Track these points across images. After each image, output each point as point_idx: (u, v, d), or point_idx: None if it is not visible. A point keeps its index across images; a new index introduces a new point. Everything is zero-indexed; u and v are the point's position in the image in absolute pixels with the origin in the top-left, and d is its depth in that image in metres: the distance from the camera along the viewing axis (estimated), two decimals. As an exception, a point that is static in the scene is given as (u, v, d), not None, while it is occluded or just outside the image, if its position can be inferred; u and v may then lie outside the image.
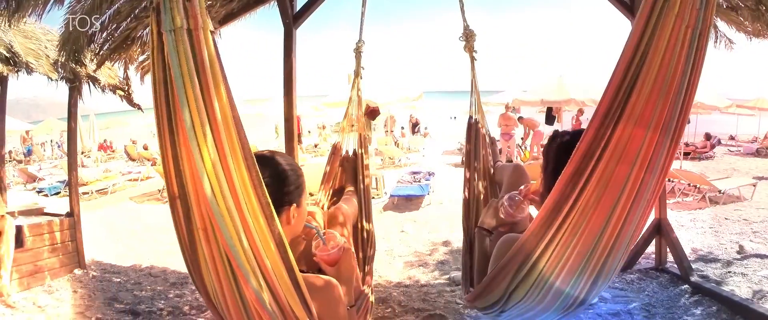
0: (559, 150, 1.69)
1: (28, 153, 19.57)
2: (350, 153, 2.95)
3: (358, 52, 3.12)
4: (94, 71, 4.62)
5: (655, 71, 1.33)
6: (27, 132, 19.53)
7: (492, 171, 2.83)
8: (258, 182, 1.20)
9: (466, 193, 2.79)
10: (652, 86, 1.34)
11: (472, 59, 2.99)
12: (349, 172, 2.87)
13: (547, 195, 1.58)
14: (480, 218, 2.17)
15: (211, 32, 1.20)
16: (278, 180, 1.41)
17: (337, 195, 2.74)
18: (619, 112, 1.38)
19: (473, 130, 2.91)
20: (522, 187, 2.07)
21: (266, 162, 1.41)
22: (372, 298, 2.22)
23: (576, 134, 1.63)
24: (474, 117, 2.95)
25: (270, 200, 1.22)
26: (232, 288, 1.26)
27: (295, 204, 1.46)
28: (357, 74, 3.10)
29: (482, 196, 2.73)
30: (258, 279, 1.20)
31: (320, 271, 1.61)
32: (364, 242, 2.59)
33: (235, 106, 1.21)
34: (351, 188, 2.78)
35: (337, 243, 1.64)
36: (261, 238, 1.20)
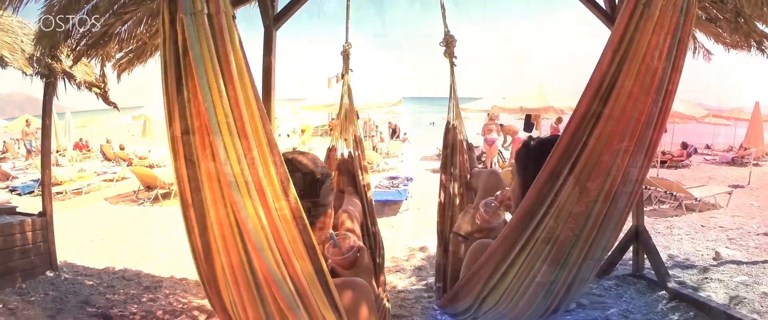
0: (534, 155, 1.65)
1: (30, 150, 18.16)
2: (346, 155, 2.92)
3: (345, 54, 3.08)
4: (70, 67, 4.51)
5: (633, 76, 1.32)
6: (27, 122, 18.36)
7: (469, 176, 2.81)
8: (286, 180, 1.12)
9: (442, 197, 2.78)
10: (629, 91, 1.33)
11: (452, 64, 2.99)
12: (346, 175, 2.82)
13: (520, 200, 1.54)
14: (456, 223, 2.14)
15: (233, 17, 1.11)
16: (313, 186, 1.30)
17: (336, 198, 2.68)
18: (597, 116, 1.36)
19: (451, 135, 2.91)
20: (498, 193, 2.04)
21: (298, 167, 1.30)
22: (388, 305, 2.12)
23: (550, 139, 1.60)
24: (452, 122, 2.95)
25: (299, 200, 1.14)
26: (255, 297, 1.16)
27: (330, 210, 1.37)
28: (346, 76, 3.06)
29: (458, 201, 2.72)
30: (288, 285, 1.11)
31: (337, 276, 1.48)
32: (372, 245, 2.51)
33: (260, 99, 1.12)
34: (351, 190, 2.72)
35: (352, 245, 1.49)
36: (292, 243, 1.11)
